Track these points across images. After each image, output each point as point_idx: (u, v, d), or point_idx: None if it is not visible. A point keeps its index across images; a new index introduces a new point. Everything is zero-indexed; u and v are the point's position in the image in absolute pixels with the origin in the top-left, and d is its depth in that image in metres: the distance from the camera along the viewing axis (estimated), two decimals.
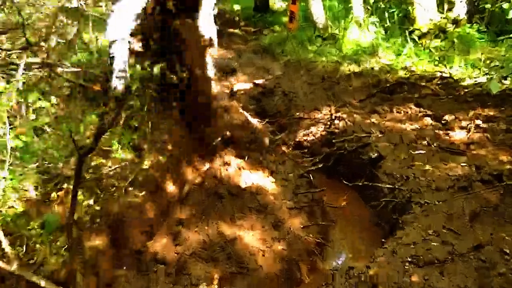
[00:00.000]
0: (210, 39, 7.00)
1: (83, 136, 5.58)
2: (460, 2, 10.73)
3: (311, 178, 6.96)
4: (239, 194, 6.19)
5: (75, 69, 6.76)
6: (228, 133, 6.89)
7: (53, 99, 6.02)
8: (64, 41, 7.55)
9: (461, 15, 10.59)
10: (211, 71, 7.02)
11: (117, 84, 5.85)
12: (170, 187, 6.02)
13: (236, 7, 17.58)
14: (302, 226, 6.01)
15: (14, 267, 4.19)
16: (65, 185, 5.03)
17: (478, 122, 6.92)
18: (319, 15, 12.39)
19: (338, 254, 6.11)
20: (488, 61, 8.83)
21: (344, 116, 7.97)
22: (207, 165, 6.58)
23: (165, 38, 6.71)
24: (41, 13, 8.04)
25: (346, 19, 12.03)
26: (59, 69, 6.64)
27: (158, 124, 6.44)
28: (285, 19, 14.38)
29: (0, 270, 4.19)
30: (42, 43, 7.11)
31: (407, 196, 5.80)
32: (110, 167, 5.51)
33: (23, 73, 6.08)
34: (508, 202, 5.09)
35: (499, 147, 6.26)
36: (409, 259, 4.64)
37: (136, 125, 6.13)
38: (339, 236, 6.37)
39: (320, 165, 7.29)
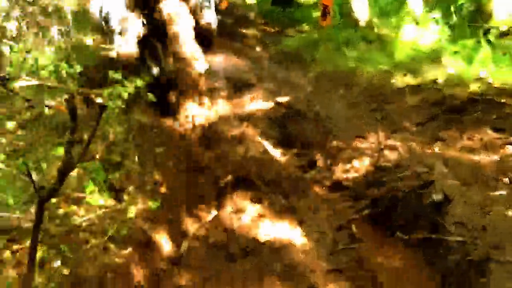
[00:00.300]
0: (208, 27, 7.21)
1: (46, 175, 5.61)
2: None
3: (354, 229, 6.93)
4: (256, 252, 6.18)
5: (37, 82, 6.80)
6: (241, 169, 6.91)
7: (8, 125, 6.06)
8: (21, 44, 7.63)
9: None
10: (201, 65, 7.12)
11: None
12: (164, 243, 6.04)
13: (251, 0, 17.71)
14: None
15: None
16: (23, 242, 5.04)
17: None
18: (361, 10, 12.46)
19: None
20: None
21: (398, 145, 7.96)
22: (213, 213, 6.60)
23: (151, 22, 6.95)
24: None
25: (398, 15, 12.08)
26: (15, 84, 6.68)
27: (147, 157, 6.48)
28: (316, 14, 14.46)
29: None
30: None
31: (484, 253, 5.75)
32: (83, 216, 5.53)
33: None
34: None
35: None
36: None
37: (119, 159, 6.16)
38: None
39: (366, 212, 7.24)
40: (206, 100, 8.82)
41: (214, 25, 11.84)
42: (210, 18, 11.60)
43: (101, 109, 4.74)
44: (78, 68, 5.36)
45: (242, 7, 17.24)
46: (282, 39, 13.98)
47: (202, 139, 7.32)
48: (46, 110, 6.52)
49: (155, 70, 8.27)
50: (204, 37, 10.48)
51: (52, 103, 6.58)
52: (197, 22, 9.48)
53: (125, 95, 4.56)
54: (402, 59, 10.78)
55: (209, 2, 11.73)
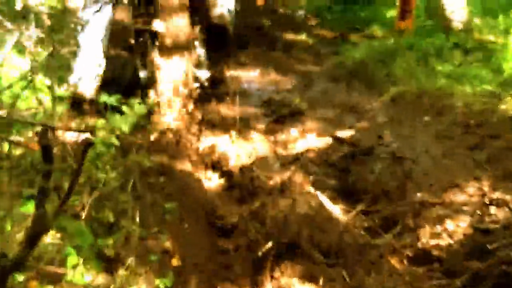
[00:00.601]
0: (221, 22, 7.39)
1: (10, 239, 5.57)
2: None
3: None
4: None
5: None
6: (286, 232, 6.84)
7: None
8: None
9: None
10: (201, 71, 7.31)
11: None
12: None
13: None
14: None
15: None
16: None
17: None
18: (456, 8, 12.42)
19: None
20: None
21: (508, 198, 7.83)
22: None
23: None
24: None
25: (508, 14, 12.03)
26: None
27: (153, 214, 6.43)
28: (392, 14, 14.47)
29: None
30: None
31: None
32: None
33: None
34: None
35: None
36: None
37: (112, 218, 6.10)
38: None
39: None
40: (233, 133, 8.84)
41: (226, 20, 11.89)
42: (222, 10, 11.63)
43: (86, 146, 4.49)
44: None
45: (286, 4, 17.29)
46: (343, 48, 13.98)
47: (231, 189, 7.26)
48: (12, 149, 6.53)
49: (142, 73, 8.39)
50: (216, 36, 10.58)
51: (20, 139, 6.59)
52: (205, 17, 9.59)
53: (125, 129, 4.48)
54: None
55: None
